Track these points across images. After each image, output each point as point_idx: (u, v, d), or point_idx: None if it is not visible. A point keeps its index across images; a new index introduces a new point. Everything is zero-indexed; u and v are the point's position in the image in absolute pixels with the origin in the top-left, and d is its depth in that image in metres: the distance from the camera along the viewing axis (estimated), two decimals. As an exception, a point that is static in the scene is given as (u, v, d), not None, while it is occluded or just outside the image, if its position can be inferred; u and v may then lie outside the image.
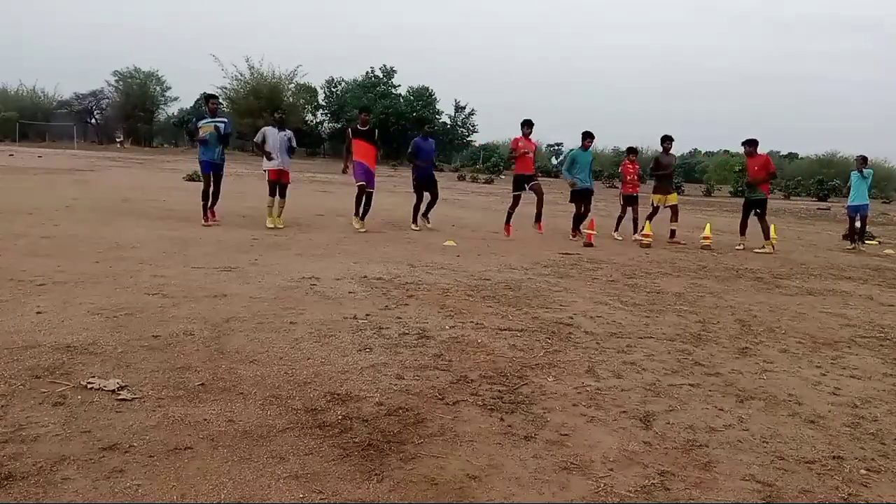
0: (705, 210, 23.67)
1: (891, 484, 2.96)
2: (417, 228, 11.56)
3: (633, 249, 10.89)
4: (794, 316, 6.39)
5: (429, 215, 11.82)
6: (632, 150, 13.23)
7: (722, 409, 3.73)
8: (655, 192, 12.55)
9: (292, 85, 56.78)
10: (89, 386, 3.45)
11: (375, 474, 2.74)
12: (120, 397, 3.34)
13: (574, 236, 11.77)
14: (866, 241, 13.96)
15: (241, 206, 12.80)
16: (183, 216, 11.13)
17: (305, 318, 5.08)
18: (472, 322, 5.27)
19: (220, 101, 13.13)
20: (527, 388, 3.88)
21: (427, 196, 11.70)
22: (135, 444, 2.86)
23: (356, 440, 3.04)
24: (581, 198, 11.82)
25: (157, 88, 65.46)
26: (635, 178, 12.51)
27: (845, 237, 13.86)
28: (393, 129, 52.51)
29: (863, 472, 3.06)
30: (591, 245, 10.78)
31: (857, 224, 13.15)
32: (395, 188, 20.63)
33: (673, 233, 12.33)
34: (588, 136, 11.67)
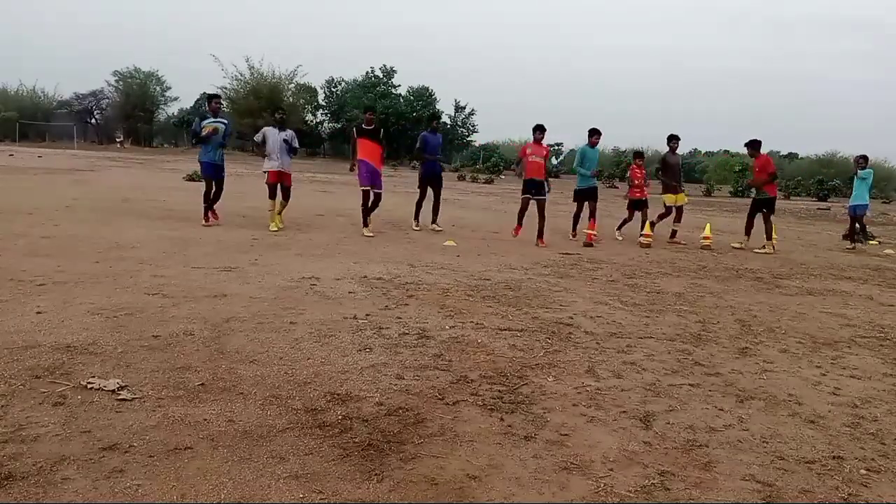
0: (705, 210, 23.63)
1: (891, 484, 2.97)
2: (418, 228, 11.55)
3: (633, 249, 10.89)
4: (794, 316, 6.39)
5: (437, 221, 11.79)
6: (638, 155, 13.16)
7: (722, 409, 3.73)
8: (665, 191, 12.49)
9: (292, 85, 56.70)
10: (89, 386, 3.45)
11: (375, 474, 2.74)
12: (120, 397, 3.34)
13: (574, 236, 11.77)
14: (868, 242, 13.98)
15: (241, 206, 12.79)
16: (183, 216, 11.13)
17: (305, 318, 5.08)
18: (472, 322, 5.28)
19: (222, 101, 13.09)
20: (527, 388, 3.88)
21: (430, 194, 11.68)
22: (135, 444, 2.86)
23: (356, 440, 3.04)
24: (587, 196, 11.80)
25: (157, 88, 65.36)
26: (642, 182, 12.48)
27: (845, 237, 13.87)
28: (393, 129, 52.49)
29: (863, 472, 3.06)
30: (590, 245, 10.79)
31: (857, 224, 13.18)
32: (395, 188, 20.61)
33: (674, 233, 12.32)
34: (595, 133, 11.60)
